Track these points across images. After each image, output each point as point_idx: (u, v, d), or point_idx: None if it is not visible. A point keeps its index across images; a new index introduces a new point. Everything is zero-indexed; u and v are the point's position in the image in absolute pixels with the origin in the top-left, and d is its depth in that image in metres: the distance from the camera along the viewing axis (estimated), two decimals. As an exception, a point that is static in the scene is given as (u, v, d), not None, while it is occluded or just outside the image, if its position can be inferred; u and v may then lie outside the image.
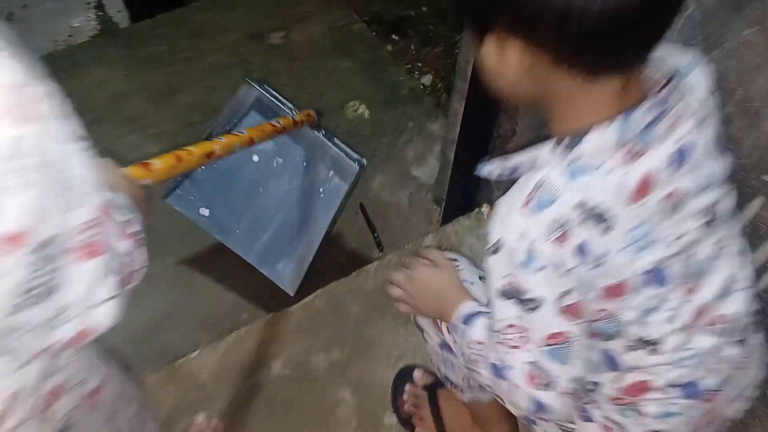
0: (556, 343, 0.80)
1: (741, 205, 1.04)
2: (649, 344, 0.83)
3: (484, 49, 0.71)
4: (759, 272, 1.08)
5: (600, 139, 0.70)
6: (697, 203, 0.76)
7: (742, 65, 0.95)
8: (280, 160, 1.71)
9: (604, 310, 0.79)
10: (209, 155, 1.15)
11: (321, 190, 1.71)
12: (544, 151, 0.74)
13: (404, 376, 1.46)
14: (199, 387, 1.46)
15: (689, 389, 0.87)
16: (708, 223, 0.78)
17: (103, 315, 0.59)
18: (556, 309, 0.77)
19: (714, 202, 0.79)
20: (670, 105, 0.71)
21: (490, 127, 1.66)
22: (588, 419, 0.94)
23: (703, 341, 0.84)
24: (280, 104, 1.62)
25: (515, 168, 0.78)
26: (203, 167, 1.61)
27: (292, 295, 1.66)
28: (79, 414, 0.75)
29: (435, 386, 1.40)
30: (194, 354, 1.50)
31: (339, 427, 1.43)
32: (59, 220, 0.52)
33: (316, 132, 1.67)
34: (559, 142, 0.72)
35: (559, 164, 0.72)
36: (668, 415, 0.89)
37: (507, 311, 0.81)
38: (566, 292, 0.75)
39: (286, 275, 1.69)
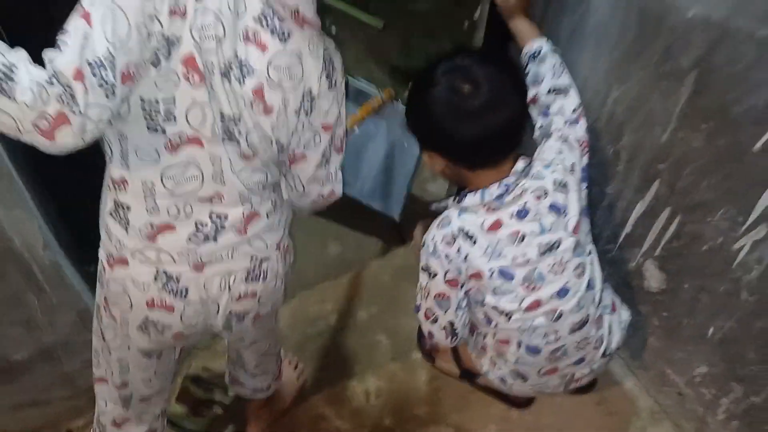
0: (441, 298, 1.48)
1: (646, 186, 1.61)
2: (503, 314, 1.48)
3: (423, 155, 1.43)
4: (659, 235, 1.64)
5: (472, 200, 1.38)
6: (538, 239, 1.41)
7: (639, 92, 1.52)
8: (372, 127, 2.27)
9: (471, 287, 1.47)
10: None
11: (404, 143, 2.22)
12: (450, 201, 1.43)
13: (426, 323, 2.01)
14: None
15: (533, 349, 1.53)
16: (545, 252, 1.42)
17: (339, 185, 1.23)
18: (442, 280, 1.45)
19: (553, 241, 1.42)
20: (515, 185, 1.37)
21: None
22: (485, 354, 1.65)
23: (541, 321, 1.48)
24: (367, 88, 2.26)
25: (443, 206, 1.46)
26: None
27: (397, 219, 2.19)
28: None
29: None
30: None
31: (378, 360, 1.97)
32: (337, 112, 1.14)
33: (394, 101, 2.23)
34: (455, 198, 1.42)
35: (455, 208, 1.42)
36: (521, 363, 1.57)
37: (423, 279, 1.49)
38: (447, 272, 1.44)
39: (391, 205, 2.22)
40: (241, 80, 0.98)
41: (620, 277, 1.81)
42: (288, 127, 1.07)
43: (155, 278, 1.11)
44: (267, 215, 1.17)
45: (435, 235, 1.42)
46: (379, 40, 3.20)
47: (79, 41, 0.83)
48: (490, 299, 1.47)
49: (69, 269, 1.49)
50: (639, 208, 1.66)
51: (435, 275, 1.45)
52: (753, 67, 1.21)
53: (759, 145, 1.28)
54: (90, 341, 1.31)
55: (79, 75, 0.82)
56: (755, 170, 1.31)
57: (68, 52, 0.82)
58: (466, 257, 1.41)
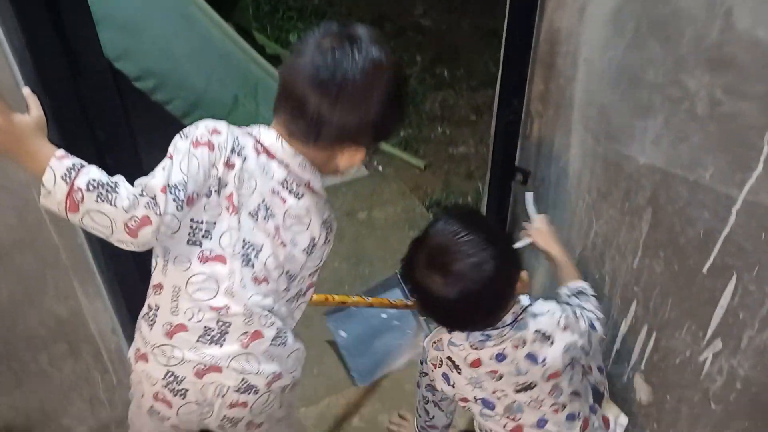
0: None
1: (626, 307, 1.83)
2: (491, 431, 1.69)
3: None
4: (642, 350, 1.84)
5: (459, 336, 1.55)
6: (514, 379, 1.55)
7: (611, 226, 1.78)
8: (395, 322, 2.61)
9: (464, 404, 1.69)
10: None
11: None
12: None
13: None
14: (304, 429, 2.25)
15: None
16: (520, 390, 1.57)
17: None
18: (431, 378, 1.72)
19: (528, 382, 1.56)
20: (498, 336, 1.51)
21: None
22: None
23: None
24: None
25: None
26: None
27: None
28: None
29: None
30: (301, 410, 2.29)
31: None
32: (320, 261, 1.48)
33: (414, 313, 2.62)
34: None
35: (448, 335, 1.58)
36: None
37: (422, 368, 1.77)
38: (432, 380, 1.70)
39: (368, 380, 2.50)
40: (266, 219, 1.33)
41: (617, 392, 1.98)
42: (296, 263, 1.39)
43: (164, 376, 1.36)
44: (270, 341, 1.37)
45: (428, 352, 1.66)
46: (422, 179, 3.60)
47: (165, 171, 1.21)
48: (479, 418, 1.68)
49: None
50: (623, 327, 1.87)
51: (426, 375, 1.72)
52: (689, 204, 1.48)
53: (705, 269, 1.51)
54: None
55: (163, 190, 1.19)
56: (706, 290, 1.54)
57: (157, 176, 1.20)
58: (453, 384, 1.64)
